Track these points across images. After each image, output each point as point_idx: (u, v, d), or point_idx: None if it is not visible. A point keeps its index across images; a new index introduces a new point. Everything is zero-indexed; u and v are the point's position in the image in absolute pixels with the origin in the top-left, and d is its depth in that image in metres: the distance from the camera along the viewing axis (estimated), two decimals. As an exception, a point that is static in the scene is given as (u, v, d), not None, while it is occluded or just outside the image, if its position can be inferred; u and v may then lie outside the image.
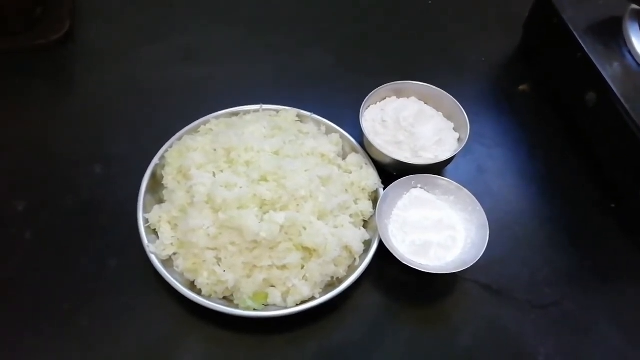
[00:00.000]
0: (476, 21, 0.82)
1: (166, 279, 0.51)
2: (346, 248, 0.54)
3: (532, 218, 0.62)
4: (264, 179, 0.53)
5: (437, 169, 0.61)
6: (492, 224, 0.55)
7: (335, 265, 0.53)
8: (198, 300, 0.50)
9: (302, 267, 0.52)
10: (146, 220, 0.54)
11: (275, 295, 0.51)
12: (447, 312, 0.55)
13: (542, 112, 0.71)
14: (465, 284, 0.57)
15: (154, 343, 0.51)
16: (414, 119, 0.62)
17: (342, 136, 0.62)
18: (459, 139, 0.62)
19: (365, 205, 0.57)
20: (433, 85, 0.65)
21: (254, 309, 0.51)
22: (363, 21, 0.81)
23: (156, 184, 0.58)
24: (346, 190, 0.57)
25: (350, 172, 0.59)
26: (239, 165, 0.54)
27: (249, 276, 0.51)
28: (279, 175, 0.53)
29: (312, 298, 0.52)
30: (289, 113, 0.62)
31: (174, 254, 0.53)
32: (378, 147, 0.59)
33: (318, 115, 0.63)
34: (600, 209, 0.63)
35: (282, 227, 0.51)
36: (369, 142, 0.60)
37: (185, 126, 0.60)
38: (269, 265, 0.51)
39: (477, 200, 0.57)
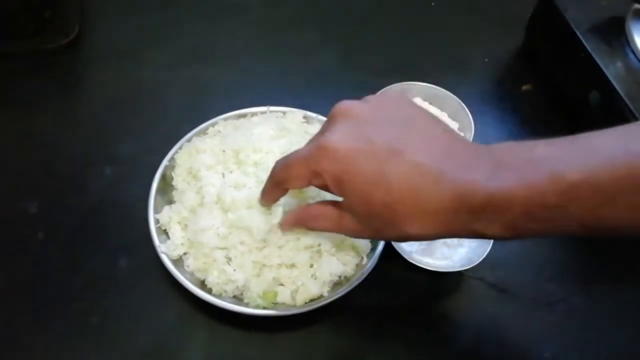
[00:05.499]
0: (479, 21, 0.82)
1: (177, 278, 0.52)
2: (353, 247, 0.54)
3: (537, 216, 0.63)
4: (272, 179, 0.54)
5: (442, 168, 0.61)
6: (498, 223, 0.55)
7: (343, 264, 0.53)
8: (208, 299, 0.51)
9: (311, 266, 0.53)
10: (157, 221, 0.55)
11: (284, 294, 0.52)
12: (453, 310, 0.56)
13: (546, 111, 0.72)
14: (471, 282, 0.57)
15: (165, 341, 0.52)
16: (419, 119, 0.62)
17: (348, 137, 0.62)
18: (463, 139, 0.63)
19: (372, 205, 0.58)
20: (437, 86, 0.65)
21: (264, 308, 0.51)
22: (367, 22, 0.81)
23: (166, 185, 0.58)
24: (353, 190, 0.57)
25: (357, 172, 0.60)
26: (247, 166, 0.55)
27: (258, 275, 0.52)
28: (287, 176, 0.54)
29: (321, 296, 0.52)
30: (295, 115, 0.63)
31: (185, 253, 0.54)
32: (384, 148, 0.60)
33: (324, 116, 0.64)
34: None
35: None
36: (375, 143, 0.61)
37: (193, 128, 0.61)
38: (278, 264, 0.52)
39: (482, 199, 0.57)
